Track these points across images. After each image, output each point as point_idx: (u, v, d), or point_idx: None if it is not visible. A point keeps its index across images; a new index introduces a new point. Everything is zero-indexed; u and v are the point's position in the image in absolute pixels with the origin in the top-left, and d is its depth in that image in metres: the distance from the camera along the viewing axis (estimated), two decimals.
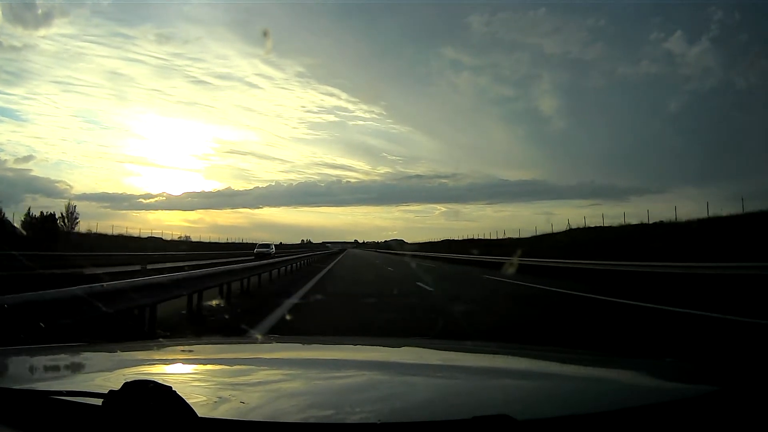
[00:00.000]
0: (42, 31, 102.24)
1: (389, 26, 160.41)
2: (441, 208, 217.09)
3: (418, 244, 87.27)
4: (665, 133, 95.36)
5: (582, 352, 2.54)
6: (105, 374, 1.46)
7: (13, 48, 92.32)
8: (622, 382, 1.52)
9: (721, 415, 1.02)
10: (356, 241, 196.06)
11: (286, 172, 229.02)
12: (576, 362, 1.90)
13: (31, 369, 1.56)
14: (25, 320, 3.26)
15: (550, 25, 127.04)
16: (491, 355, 2.05)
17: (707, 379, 1.47)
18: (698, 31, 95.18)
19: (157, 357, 1.90)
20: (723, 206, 21.13)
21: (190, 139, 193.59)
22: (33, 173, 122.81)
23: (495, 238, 44.65)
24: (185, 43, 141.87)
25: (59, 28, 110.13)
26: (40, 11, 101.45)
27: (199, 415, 0.89)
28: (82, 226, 40.09)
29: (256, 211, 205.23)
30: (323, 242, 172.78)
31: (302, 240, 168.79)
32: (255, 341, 2.81)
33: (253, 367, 1.76)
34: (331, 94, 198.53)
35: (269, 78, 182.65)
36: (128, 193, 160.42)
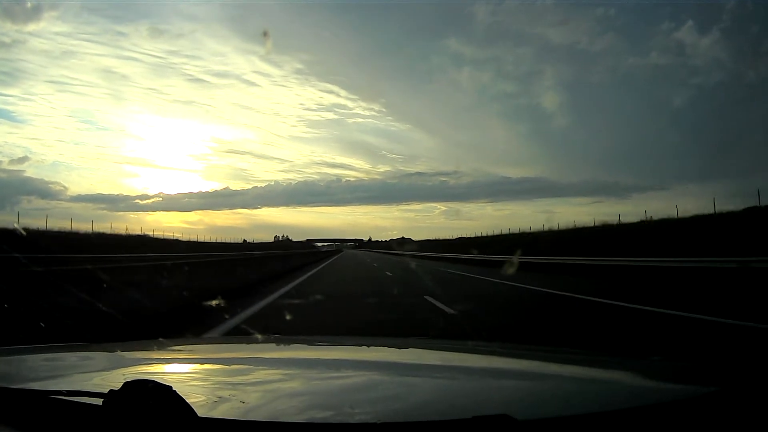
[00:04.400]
0: (31, 26, 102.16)
1: (390, 20, 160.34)
2: (441, 207, 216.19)
3: (429, 242, 72.26)
4: (669, 129, 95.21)
5: (582, 352, 2.54)
6: (105, 374, 1.46)
7: (3, 44, 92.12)
8: (623, 381, 1.52)
9: (722, 415, 1.02)
10: (358, 241, 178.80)
11: (285, 171, 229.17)
12: (576, 362, 1.89)
13: (31, 369, 1.56)
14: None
15: (558, 15, 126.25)
16: (491, 356, 2.04)
17: (707, 379, 1.47)
18: (709, 22, 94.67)
19: (156, 357, 1.90)
20: (727, 203, 21.37)
21: (187, 138, 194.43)
22: (26, 174, 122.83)
23: (508, 234, 41.28)
24: (181, 41, 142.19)
25: (49, 23, 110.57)
26: (28, 4, 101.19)
27: (199, 415, 0.89)
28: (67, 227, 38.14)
29: (255, 211, 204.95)
30: (308, 239, 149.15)
31: (276, 237, 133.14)
32: (255, 341, 2.81)
33: (252, 366, 1.76)
34: (330, 92, 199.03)
35: (267, 75, 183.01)
36: (125, 194, 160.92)
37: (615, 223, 29.47)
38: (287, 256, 28.16)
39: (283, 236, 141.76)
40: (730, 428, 1.00)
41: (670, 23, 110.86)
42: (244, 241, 79.55)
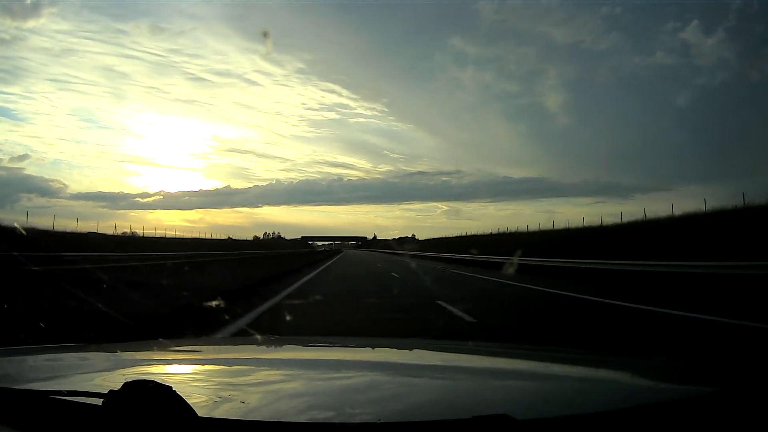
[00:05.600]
0: (31, 23, 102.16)
1: (392, 18, 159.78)
2: (443, 206, 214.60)
3: (442, 240, 62.27)
4: (673, 129, 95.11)
5: (582, 352, 2.54)
6: (105, 374, 1.46)
7: (2, 41, 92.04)
8: (623, 382, 1.52)
9: (721, 415, 1.02)
10: (361, 239, 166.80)
11: (287, 170, 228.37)
12: (576, 362, 1.90)
13: (31, 369, 1.56)
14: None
15: (563, 13, 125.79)
16: (491, 356, 2.05)
17: (707, 379, 1.47)
18: (715, 21, 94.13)
19: (157, 357, 1.90)
20: (727, 204, 21.31)
21: (188, 137, 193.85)
22: (26, 172, 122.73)
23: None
24: (182, 39, 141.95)
25: (48, 20, 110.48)
26: (27, 1, 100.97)
27: (199, 415, 0.89)
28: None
29: (256, 210, 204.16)
30: (302, 237, 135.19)
31: (265, 234, 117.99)
32: (255, 341, 2.81)
33: (253, 367, 1.76)
34: (332, 91, 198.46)
35: (269, 74, 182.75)
36: (126, 192, 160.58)
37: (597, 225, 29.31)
38: (251, 261, 18.57)
39: (273, 233, 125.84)
40: (730, 428, 1.01)
41: (676, 22, 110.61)
42: (229, 238, 71.54)
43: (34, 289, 5.78)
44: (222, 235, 71.55)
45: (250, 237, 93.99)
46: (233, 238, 73.82)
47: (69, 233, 31.76)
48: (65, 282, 6.10)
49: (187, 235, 58.96)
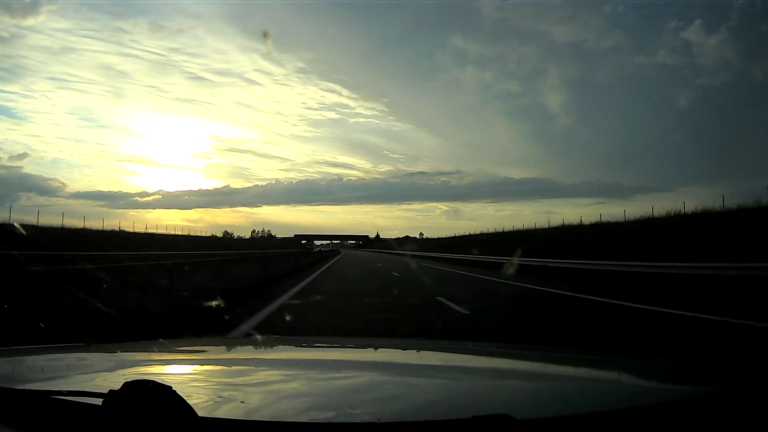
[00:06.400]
0: (30, 21, 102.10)
1: (393, 16, 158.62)
2: (443, 206, 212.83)
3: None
4: (674, 130, 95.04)
5: (582, 352, 2.55)
6: (105, 374, 1.46)
7: (2, 39, 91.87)
8: (623, 381, 1.52)
9: (722, 415, 1.02)
10: (362, 239, 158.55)
11: (286, 170, 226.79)
12: (576, 362, 1.90)
13: (31, 369, 1.56)
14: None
15: (565, 12, 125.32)
16: (492, 356, 2.05)
17: (706, 379, 1.48)
18: (717, 21, 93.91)
19: (157, 357, 1.90)
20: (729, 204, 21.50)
21: (188, 136, 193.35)
22: (25, 170, 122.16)
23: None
24: (182, 38, 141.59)
25: (47, 18, 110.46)
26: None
27: (200, 415, 0.89)
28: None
29: (256, 209, 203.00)
30: (296, 235, 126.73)
31: (253, 232, 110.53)
32: (255, 342, 2.81)
33: (253, 367, 1.76)
34: (332, 91, 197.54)
35: (269, 74, 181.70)
36: (125, 191, 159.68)
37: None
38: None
39: (263, 231, 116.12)
40: (730, 428, 1.01)
41: (678, 21, 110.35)
42: (214, 236, 70.01)
43: (33, 288, 5.77)
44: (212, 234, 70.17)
45: (246, 236, 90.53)
46: (218, 236, 72.09)
47: (59, 229, 31.96)
48: (65, 281, 6.10)
49: (192, 234, 58.37)
